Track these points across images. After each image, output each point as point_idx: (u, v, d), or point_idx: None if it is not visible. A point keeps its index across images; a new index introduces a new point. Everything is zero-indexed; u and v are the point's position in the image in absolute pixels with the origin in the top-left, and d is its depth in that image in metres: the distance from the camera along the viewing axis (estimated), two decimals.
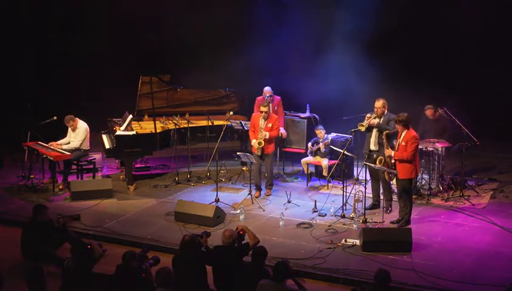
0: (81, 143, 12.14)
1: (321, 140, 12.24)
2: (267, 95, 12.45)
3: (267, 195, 11.75)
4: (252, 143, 11.63)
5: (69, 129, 12.27)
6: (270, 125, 11.48)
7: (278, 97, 12.74)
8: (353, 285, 8.45)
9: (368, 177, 11.14)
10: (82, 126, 12.20)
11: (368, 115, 10.62)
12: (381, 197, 10.86)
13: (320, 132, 12.30)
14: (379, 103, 10.60)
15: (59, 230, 9.08)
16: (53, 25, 15.45)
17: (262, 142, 11.43)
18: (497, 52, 14.26)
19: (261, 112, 11.48)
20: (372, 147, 10.67)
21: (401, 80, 13.32)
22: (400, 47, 14.34)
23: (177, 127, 12.63)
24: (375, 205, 10.87)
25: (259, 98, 12.65)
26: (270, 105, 12.05)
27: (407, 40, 14.42)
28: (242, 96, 13.73)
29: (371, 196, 10.95)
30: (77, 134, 12.15)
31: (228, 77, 14.12)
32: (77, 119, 12.25)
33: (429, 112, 12.13)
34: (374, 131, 10.62)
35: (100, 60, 15.08)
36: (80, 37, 15.46)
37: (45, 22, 15.41)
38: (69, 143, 12.19)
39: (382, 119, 10.59)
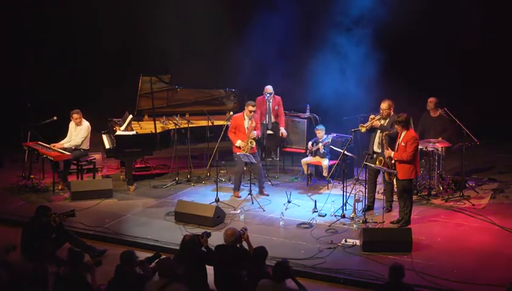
0: (82, 142, 12.12)
1: (320, 140, 12.22)
2: (268, 93, 12.43)
3: (267, 195, 11.72)
4: (237, 145, 11.43)
5: (70, 128, 12.25)
6: (254, 124, 11.46)
7: (279, 97, 12.74)
8: (353, 285, 8.49)
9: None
10: (85, 124, 12.20)
11: (372, 116, 10.47)
12: (382, 197, 10.85)
13: (319, 132, 12.26)
14: (385, 105, 10.44)
15: (56, 229, 9.05)
16: (52, 25, 15.45)
17: (254, 141, 11.41)
18: (497, 52, 14.28)
19: (250, 111, 11.41)
20: (376, 148, 10.57)
21: (401, 80, 13.32)
22: (401, 47, 14.34)
23: (177, 127, 12.63)
24: (369, 207, 10.80)
25: (259, 98, 12.65)
26: (270, 104, 12.02)
27: (408, 40, 14.42)
28: (242, 95, 13.72)
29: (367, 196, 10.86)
30: (80, 131, 12.13)
31: (228, 76, 14.10)
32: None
33: (430, 105, 11.93)
34: (378, 133, 10.46)
35: (99, 60, 15.06)
36: (79, 37, 15.46)
37: (44, 22, 15.41)
38: (70, 142, 12.19)
39: (387, 121, 10.44)
